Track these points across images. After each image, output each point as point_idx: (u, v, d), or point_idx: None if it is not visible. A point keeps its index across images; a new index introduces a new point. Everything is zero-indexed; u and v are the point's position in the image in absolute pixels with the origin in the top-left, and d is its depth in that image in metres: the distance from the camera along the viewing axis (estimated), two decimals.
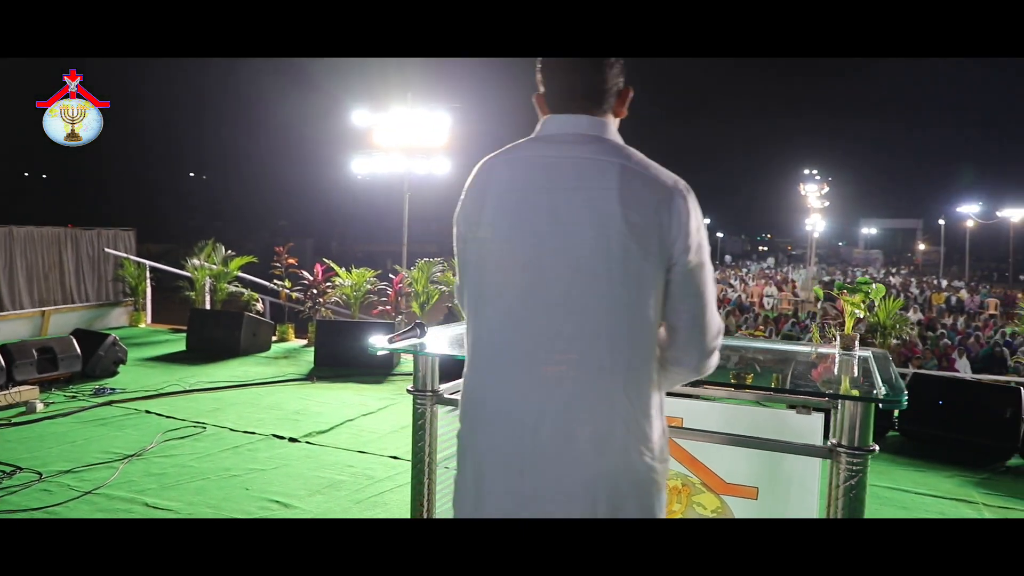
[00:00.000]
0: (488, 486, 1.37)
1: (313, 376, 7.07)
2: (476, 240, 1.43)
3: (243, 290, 9.73)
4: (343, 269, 9.00)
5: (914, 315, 19.67)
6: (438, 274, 8.65)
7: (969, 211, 42.14)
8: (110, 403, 5.77)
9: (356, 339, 7.65)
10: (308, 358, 7.96)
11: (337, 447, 4.84)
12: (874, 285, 2.44)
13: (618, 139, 1.44)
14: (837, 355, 2.39)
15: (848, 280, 32.29)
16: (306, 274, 9.02)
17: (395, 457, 4.62)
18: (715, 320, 1.44)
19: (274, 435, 5.04)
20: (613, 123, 1.46)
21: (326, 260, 9.17)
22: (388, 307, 8.79)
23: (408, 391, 2.33)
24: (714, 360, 1.46)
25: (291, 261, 9.29)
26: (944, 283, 34.22)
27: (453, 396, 2.38)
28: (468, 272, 1.47)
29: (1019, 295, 27.12)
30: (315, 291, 8.98)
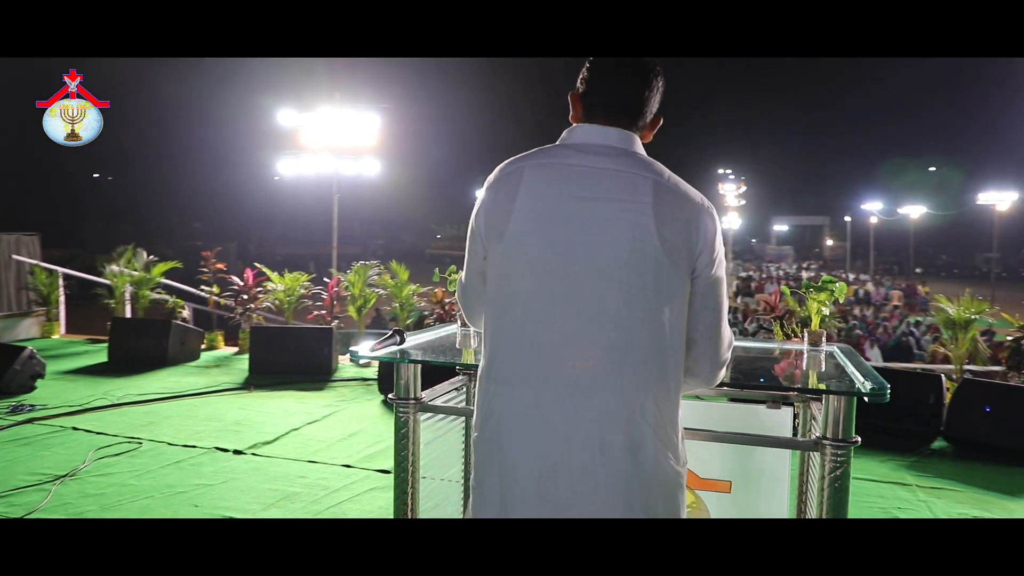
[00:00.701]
0: (518, 492, 1.36)
1: (250, 385, 6.82)
2: (501, 245, 1.41)
3: (167, 297, 9.29)
4: (275, 273, 8.73)
5: (827, 308, 20.63)
6: (374, 277, 8.49)
7: (873, 208, 44.75)
8: (31, 420, 5.40)
9: (292, 345, 7.45)
10: (241, 366, 7.69)
11: (285, 458, 4.69)
12: (838, 284, 2.54)
13: (645, 155, 1.46)
14: (805, 351, 2.48)
15: (763, 275, 33.59)
16: (236, 279, 8.70)
17: (348, 466, 4.52)
18: (728, 332, 1.49)
19: (217, 448, 4.84)
20: (639, 141, 1.48)
21: (257, 264, 8.87)
22: (323, 312, 8.58)
23: (389, 399, 2.27)
24: (724, 371, 1.52)
25: (219, 266, 8.95)
26: (851, 276, 36.06)
27: (434, 403, 2.34)
28: (489, 277, 1.44)
29: (919, 286, 28.89)
30: (246, 296, 8.68)
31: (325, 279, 8.89)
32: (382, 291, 8.49)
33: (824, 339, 2.48)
